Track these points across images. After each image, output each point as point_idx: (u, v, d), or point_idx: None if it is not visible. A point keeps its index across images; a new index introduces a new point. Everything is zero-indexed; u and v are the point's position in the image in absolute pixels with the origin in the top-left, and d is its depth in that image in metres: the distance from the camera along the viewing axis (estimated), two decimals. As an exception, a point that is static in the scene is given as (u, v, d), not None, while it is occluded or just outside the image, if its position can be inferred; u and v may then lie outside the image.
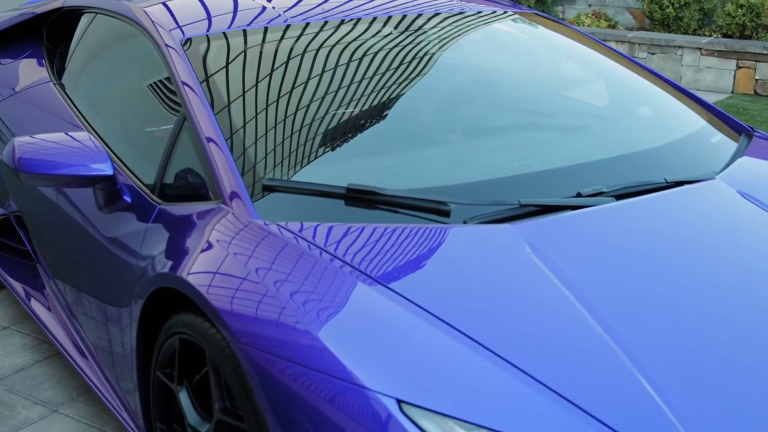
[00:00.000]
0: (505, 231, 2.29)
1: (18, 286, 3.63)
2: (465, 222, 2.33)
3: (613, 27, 9.72)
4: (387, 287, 2.07)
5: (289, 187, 2.44)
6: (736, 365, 1.98)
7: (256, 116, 2.70)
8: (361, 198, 2.38)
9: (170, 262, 2.36)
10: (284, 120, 2.73)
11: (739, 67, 8.40)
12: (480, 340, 1.94)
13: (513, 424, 1.78)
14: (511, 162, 2.67)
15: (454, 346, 1.93)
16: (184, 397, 2.36)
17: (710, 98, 7.90)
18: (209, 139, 2.54)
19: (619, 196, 2.50)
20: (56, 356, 3.51)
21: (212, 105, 2.65)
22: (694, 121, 3.10)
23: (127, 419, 2.76)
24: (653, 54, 8.78)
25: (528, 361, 1.90)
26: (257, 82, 2.83)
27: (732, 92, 8.46)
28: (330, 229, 2.28)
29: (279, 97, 2.79)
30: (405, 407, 1.79)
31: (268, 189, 2.43)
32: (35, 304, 3.49)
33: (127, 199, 2.73)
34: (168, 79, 2.85)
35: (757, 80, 8.35)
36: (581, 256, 2.25)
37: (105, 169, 2.62)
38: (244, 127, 2.64)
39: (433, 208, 2.35)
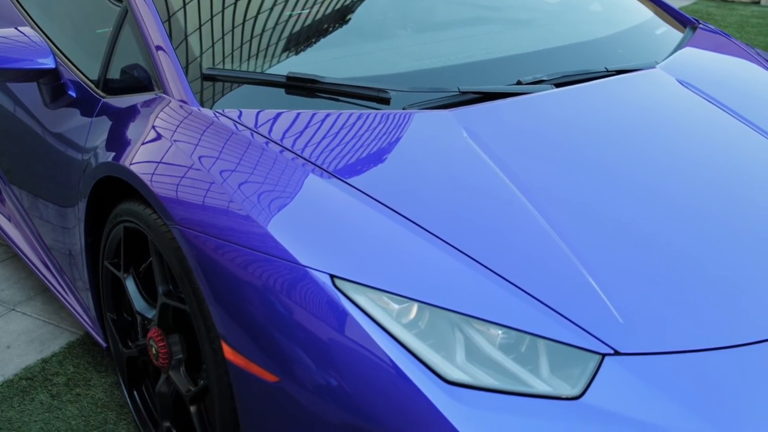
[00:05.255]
0: (443, 117, 2.32)
1: (-27, 191, 3.64)
2: (404, 108, 2.35)
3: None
4: (323, 169, 2.10)
5: (230, 76, 2.45)
6: (669, 246, 2.03)
7: (200, 10, 2.69)
8: (301, 86, 2.40)
9: (113, 153, 2.37)
10: (234, 14, 2.71)
11: (705, -27, 8.37)
12: (413, 219, 1.98)
13: (445, 297, 1.83)
14: (454, 53, 2.68)
15: (387, 224, 1.96)
16: (130, 285, 2.40)
17: (676, 4, 7.88)
18: (153, 38, 2.53)
19: (559, 85, 2.53)
20: (13, 258, 3.54)
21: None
22: (640, 14, 3.12)
23: (82, 314, 2.81)
24: (619, -40, 8.70)
25: (458, 237, 1.94)
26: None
27: (697, -2, 8.45)
28: (273, 115, 2.30)
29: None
30: (338, 282, 1.84)
31: (208, 78, 2.43)
32: (-8, 209, 3.51)
33: (72, 93, 2.73)
34: None
35: (722, -14, 8.33)
36: (517, 139, 2.28)
37: (47, 62, 2.61)
38: (187, 19, 2.63)
39: (372, 96, 2.37)
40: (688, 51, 2.89)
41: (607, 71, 2.63)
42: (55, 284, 3.00)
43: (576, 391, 1.73)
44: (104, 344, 2.66)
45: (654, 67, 2.70)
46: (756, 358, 1.82)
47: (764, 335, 1.86)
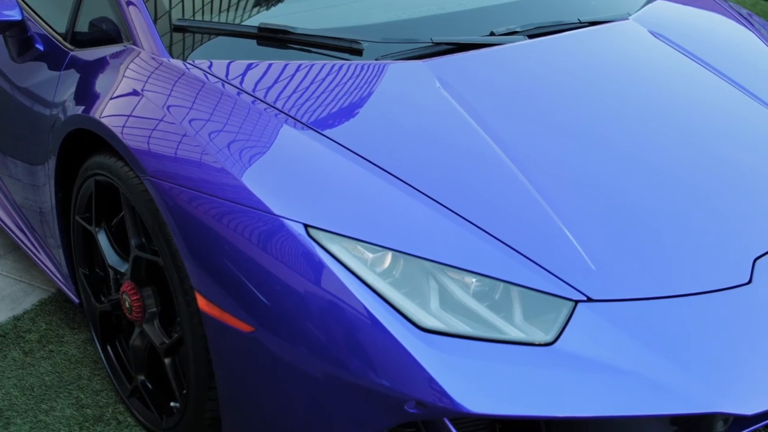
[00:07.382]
0: (416, 67, 2.31)
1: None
2: (377, 60, 2.34)
3: None
4: (296, 120, 2.09)
5: (200, 27, 2.42)
6: (641, 197, 2.05)
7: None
8: (273, 37, 2.37)
9: (83, 105, 2.34)
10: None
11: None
12: (387, 168, 1.98)
13: (419, 245, 1.83)
14: (426, 4, 2.66)
15: (361, 173, 1.96)
16: (102, 239, 2.38)
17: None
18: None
19: (532, 36, 2.52)
20: (-17, 216, 3.50)
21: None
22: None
23: (54, 271, 2.79)
24: None
25: (431, 187, 1.95)
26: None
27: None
28: (244, 66, 2.28)
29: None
30: (312, 232, 1.83)
31: (178, 30, 2.40)
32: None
33: (39, 47, 2.69)
34: None
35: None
36: (490, 89, 2.28)
37: (13, 14, 2.57)
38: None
39: (345, 47, 2.35)
40: (661, 3, 2.90)
41: (580, 22, 2.63)
42: (26, 242, 2.97)
43: (549, 338, 1.75)
44: (77, 300, 2.64)
45: (627, 19, 2.70)
46: (723, 304, 1.86)
47: (731, 283, 1.90)
